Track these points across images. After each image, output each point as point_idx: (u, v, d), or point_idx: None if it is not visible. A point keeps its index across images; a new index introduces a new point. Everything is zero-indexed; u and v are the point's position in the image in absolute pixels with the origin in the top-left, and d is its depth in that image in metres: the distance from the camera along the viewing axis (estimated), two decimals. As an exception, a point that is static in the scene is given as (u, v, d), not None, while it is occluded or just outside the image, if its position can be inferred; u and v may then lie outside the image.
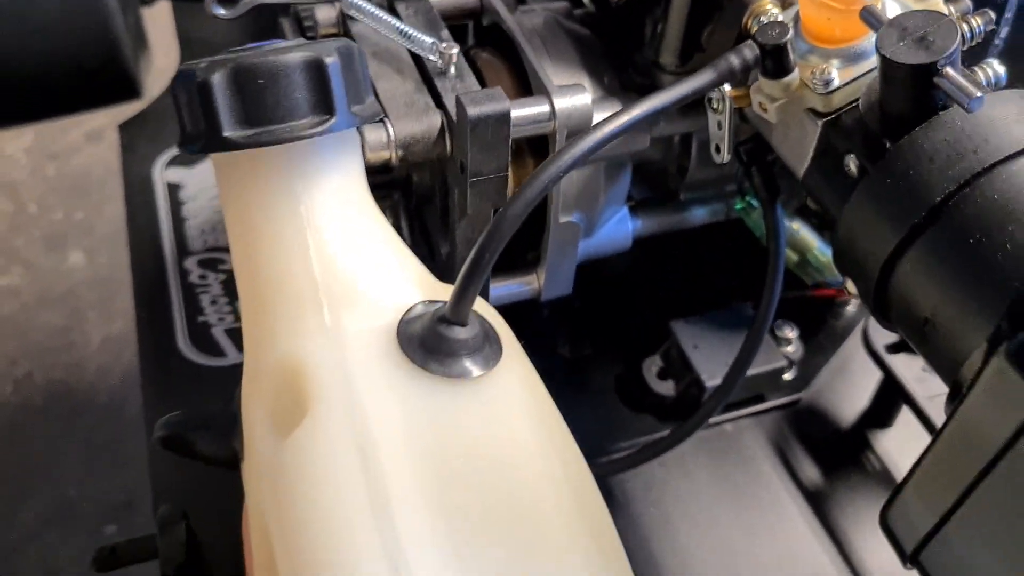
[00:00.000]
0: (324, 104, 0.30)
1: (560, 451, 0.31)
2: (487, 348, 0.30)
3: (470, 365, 0.29)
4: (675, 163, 0.46)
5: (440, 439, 0.28)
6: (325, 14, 0.42)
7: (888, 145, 0.30)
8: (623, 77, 0.42)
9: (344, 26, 0.42)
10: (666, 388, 0.47)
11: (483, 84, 0.41)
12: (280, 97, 0.29)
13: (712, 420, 0.47)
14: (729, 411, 0.48)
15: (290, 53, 0.30)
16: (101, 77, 0.65)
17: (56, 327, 1.22)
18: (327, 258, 0.31)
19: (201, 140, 0.30)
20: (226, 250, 0.55)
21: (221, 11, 0.40)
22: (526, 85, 0.41)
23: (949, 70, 0.28)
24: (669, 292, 0.49)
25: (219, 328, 0.51)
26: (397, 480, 0.27)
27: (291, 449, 0.28)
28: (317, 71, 0.30)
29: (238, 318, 0.51)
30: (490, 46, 0.43)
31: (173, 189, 0.59)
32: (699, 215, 0.46)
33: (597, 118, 0.40)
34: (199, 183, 0.59)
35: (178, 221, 0.57)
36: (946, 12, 0.34)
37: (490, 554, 0.26)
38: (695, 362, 0.46)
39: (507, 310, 0.46)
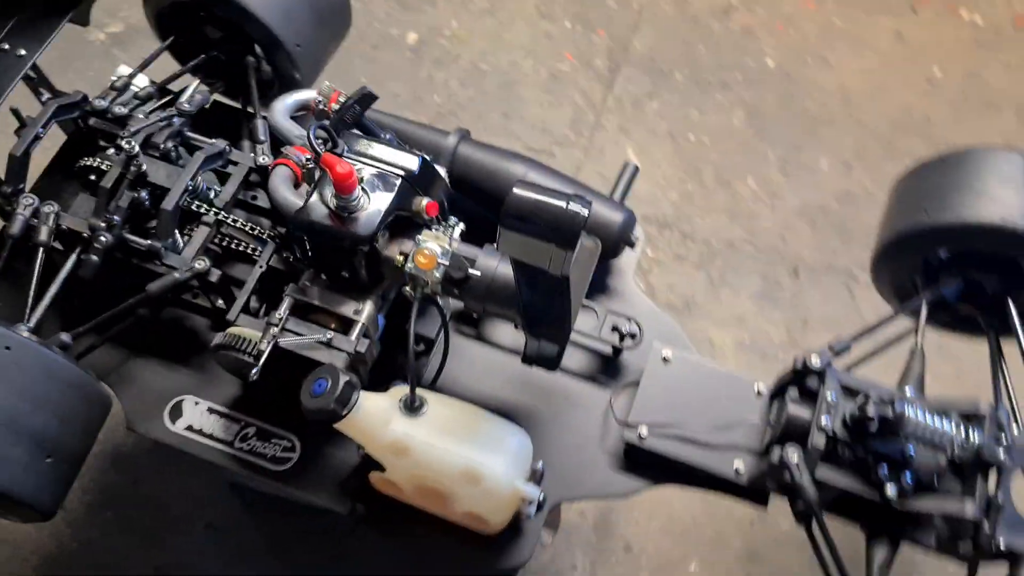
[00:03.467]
0: (352, 398, 1.04)
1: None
2: (423, 405, 1.09)
3: (420, 407, 1.09)
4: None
5: (424, 430, 1.09)
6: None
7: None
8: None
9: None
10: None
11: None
12: (341, 401, 1.03)
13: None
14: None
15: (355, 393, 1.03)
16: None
17: None
18: (378, 417, 1.07)
19: (333, 420, 1.03)
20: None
21: (255, 373, 1.08)
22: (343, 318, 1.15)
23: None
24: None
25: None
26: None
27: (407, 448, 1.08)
28: (351, 387, 1.03)
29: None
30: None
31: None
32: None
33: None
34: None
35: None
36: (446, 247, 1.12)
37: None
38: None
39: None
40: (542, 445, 1.22)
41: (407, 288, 1.13)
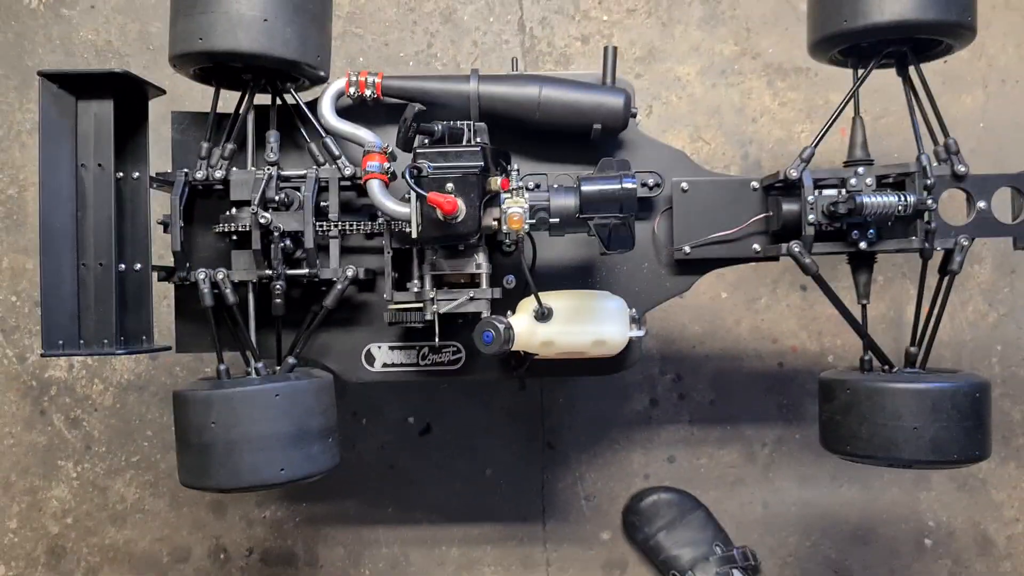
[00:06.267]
0: (512, 336, 1.52)
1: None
2: (551, 313, 1.57)
3: (550, 314, 1.58)
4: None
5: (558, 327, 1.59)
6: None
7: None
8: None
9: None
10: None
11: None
12: (507, 341, 1.52)
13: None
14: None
15: (512, 331, 1.51)
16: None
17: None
18: (526, 333, 1.57)
19: (506, 354, 1.54)
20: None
21: (437, 341, 1.56)
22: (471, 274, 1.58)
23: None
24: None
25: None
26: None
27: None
28: (508, 328, 1.51)
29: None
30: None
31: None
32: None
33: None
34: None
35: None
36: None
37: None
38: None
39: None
40: (620, 277, 1.73)
41: (506, 240, 1.56)
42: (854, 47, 1.65)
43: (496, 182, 1.50)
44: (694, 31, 2.30)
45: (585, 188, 1.40)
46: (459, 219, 1.46)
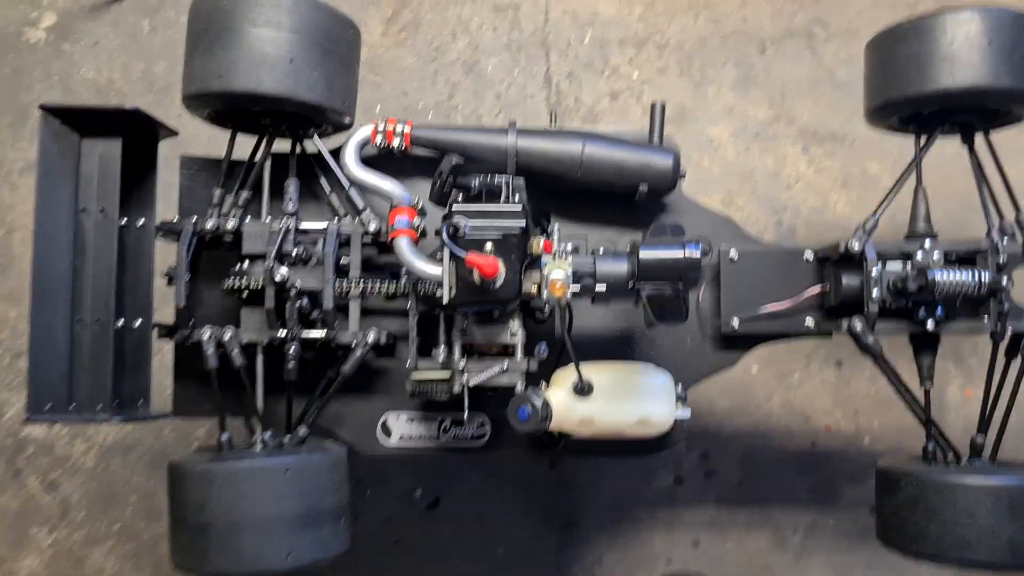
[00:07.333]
0: (549, 412, 1.38)
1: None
2: (591, 388, 1.43)
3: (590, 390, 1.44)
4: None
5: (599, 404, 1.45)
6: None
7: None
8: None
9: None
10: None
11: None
12: (544, 418, 1.37)
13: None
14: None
15: (549, 408, 1.37)
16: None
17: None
18: (565, 409, 1.43)
19: (542, 432, 1.39)
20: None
21: (466, 416, 1.41)
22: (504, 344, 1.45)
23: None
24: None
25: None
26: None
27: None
28: (546, 405, 1.37)
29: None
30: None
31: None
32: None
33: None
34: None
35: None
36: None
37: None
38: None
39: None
40: (661, 350, 1.59)
41: (546, 308, 1.42)
42: (916, 114, 1.55)
43: (538, 244, 1.37)
44: (727, 93, 2.21)
45: (644, 254, 1.27)
46: (498, 284, 1.32)
